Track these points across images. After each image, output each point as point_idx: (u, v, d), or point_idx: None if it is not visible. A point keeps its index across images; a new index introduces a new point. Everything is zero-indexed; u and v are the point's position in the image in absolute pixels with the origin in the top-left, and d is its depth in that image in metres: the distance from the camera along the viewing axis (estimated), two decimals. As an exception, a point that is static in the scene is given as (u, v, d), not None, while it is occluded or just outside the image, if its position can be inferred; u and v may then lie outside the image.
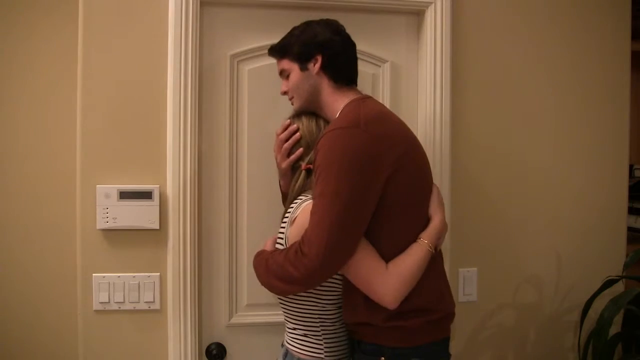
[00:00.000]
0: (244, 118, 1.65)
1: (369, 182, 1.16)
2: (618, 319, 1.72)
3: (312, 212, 1.17)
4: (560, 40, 1.81)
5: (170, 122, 1.55)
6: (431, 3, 1.67)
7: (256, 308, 1.66)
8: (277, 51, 1.39)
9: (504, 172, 1.78)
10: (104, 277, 1.55)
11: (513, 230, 1.80)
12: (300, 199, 1.30)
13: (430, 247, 1.22)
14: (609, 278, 1.71)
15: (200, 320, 1.62)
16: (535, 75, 1.79)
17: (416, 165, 1.26)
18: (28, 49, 2.01)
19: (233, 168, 1.64)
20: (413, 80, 1.74)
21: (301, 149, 1.35)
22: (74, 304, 1.57)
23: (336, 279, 1.27)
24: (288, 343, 1.33)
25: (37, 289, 2.02)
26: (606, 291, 1.70)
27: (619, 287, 1.76)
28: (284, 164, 1.38)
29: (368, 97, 1.33)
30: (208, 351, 1.64)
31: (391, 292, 1.17)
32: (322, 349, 1.28)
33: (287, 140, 1.37)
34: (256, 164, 1.65)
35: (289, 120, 1.39)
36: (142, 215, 1.54)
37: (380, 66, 1.72)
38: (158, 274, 1.57)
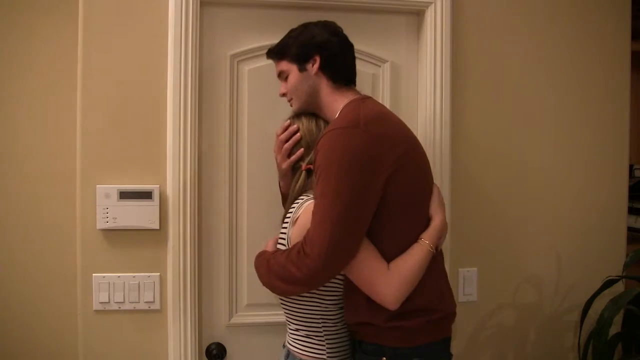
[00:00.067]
0: (244, 118, 1.65)
1: (369, 181, 1.16)
2: (618, 319, 1.72)
3: (314, 213, 1.17)
4: (560, 40, 1.81)
5: (170, 122, 1.55)
6: (431, 3, 1.67)
7: (256, 308, 1.66)
8: (275, 53, 1.40)
9: (504, 172, 1.78)
10: (104, 277, 1.55)
11: (513, 230, 1.80)
12: (302, 199, 1.30)
13: (432, 247, 1.22)
14: (609, 278, 1.71)
15: (200, 320, 1.62)
16: (535, 75, 1.80)
17: (416, 165, 1.26)
18: (28, 49, 2.01)
19: (233, 168, 1.64)
20: (413, 80, 1.74)
21: (302, 150, 1.35)
22: (74, 304, 1.57)
23: (338, 279, 1.27)
24: (290, 344, 1.33)
25: (37, 289, 2.01)
26: (606, 291, 1.70)
27: (619, 287, 1.76)
28: (285, 165, 1.38)
29: (368, 97, 1.33)
30: (208, 351, 1.64)
31: (393, 292, 1.17)
32: (324, 350, 1.28)
33: (287, 140, 1.37)
34: (256, 164, 1.65)
35: (288, 121, 1.39)
36: (142, 215, 1.53)
37: (380, 66, 1.72)
38: (158, 274, 1.57)
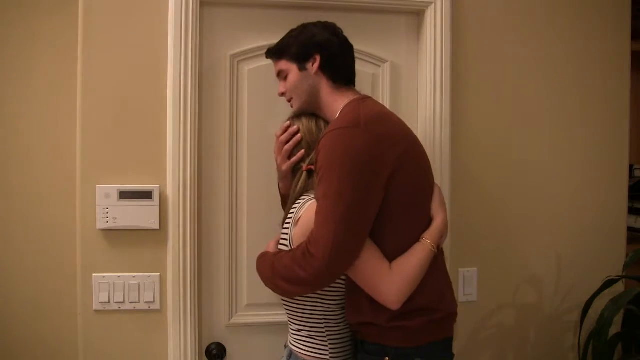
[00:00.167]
0: (244, 118, 1.65)
1: (371, 181, 1.16)
2: (618, 319, 1.72)
3: (317, 213, 1.16)
4: (560, 40, 1.81)
5: (170, 122, 1.55)
6: (431, 3, 1.67)
7: (256, 308, 1.66)
8: (275, 52, 1.40)
9: (504, 172, 1.78)
10: (104, 277, 1.55)
11: (513, 230, 1.80)
12: (303, 199, 1.30)
13: (433, 247, 1.22)
14: (609, 278, 1.71)
15: (200, 320, 1.62)
16: (536, 75, 1.80)
17: (417, 165, 1.26)
18: (28, 50, 2.01)
19: (233, 168, 1.64)
20: (413, 80, 1.74)
21: (302, 151, 1.35)
22: (74, 303, 1.57)
23: (340, 279, 1.27)
24: (292, 344, 1.33)
25: (38, 288, 2.01)
26: (606, 291, 1.70)
27: (619, 287, 1.76)
28: (285, 167, 1.38)
29: (368, 97, 1.33)
30: (208, 351, 1.64)
31: (395, 292, 1.17)
32: (326, 350, 1.28)
33: (287, 142, 1.37)
34: (256, 164, 1.65)
35: (288, 122, 1.39)
36: (142, 215, 1.54)
37: (380, 66, 1.72)
38: (158, 274, 1.57)
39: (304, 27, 1.37)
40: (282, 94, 1.41)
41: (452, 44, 1.70)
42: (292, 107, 1.40)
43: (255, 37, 1.63)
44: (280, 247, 1.30)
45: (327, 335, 1.29)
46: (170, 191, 1.55)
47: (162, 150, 1.56)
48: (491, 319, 1.80)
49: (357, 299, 1.23)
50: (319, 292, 1.26)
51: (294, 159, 1.36)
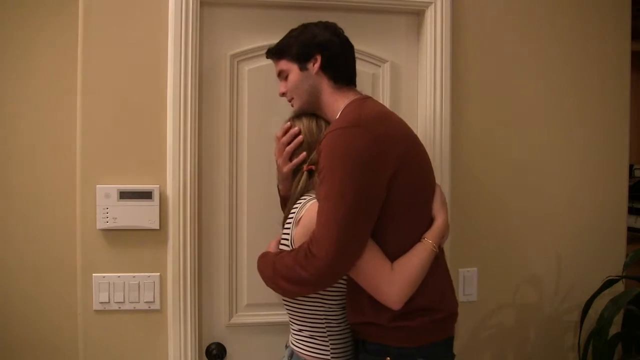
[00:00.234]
0: (244, 118, 1.65)
1: (372, 181, 1.16)
2: (618, 319, 1.72)
3: (319, 213, 1.16)
4: (560, 40, 1.81)
5: (170, 122, 1.55)
6: (431, 3, 1.67)
7: (256, 308, 1.66)
8: (275, 52, 1.39)
9: (504, 172, 1.78)
10: (104, 277, 1.55)
11: (513, 230, 1.80)
12: (304, 199, 1.30)
13: (435, 247, 1.22)
14: (609, 278, 1.71)
15: (200, 320, 1.62)
16: (535, 75, 1.79)
17: (418, 165, 1.26)
18: (29, 50, 2.01)
19: (233, 168, 1.64)
20: (413, 80, 1.74)
21: (304, 153, 1.34)
22: (74, 303, 1.57)
23: (342, 279, 1.27)
24: (293, 344, 1.33)
25: (37, 289, 2.02)
26: (606, 291, 1.70)
27: (619, 287, 1.76)
28: (286, 169, 1.37)
29: (368, 97, 1.33)
30: (208, 351, 1.64)
31: (397, 292, 1.17)
32: (328, 350, 1.28)
33: (288, 143, 1.36)
34: (256, 163, 1.65)
35: (289, 123, 1.38)
36: (142, 215, 1.54)
37: (380, 66, 1.72)
38: (158, 274, 1.57)
39: (304, 27, 1.37)
40: (283, 94, 1.40)
41: (452, 44, 1.70)
42: (292, 107, 1.40)
43: (255, 37, 1.63)
44: (281, 247, 1.30)
45: (329, 335, 1.29)
46: (170, 191, 1.55)
47: (162, 150, 1.56)
48: (491, 319, 1.80)
49: (358, 299, 1.23)
50: (320, 292, 1.26)
51: (296, 161, 1.35)
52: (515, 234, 1.80)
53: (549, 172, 1.82)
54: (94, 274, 1.54)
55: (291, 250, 1.23)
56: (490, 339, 1.80)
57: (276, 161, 1.41)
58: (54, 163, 2.02)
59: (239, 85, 1.65)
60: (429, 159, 1.32)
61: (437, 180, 1.47)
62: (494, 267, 1.78)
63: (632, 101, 1.89)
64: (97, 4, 1.52)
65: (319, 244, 1.13)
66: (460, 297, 1.74)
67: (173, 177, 1.55)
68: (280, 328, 1.57)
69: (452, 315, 1.28)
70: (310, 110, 1.38)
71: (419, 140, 1.31)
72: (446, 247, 1.61)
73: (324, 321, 1.29)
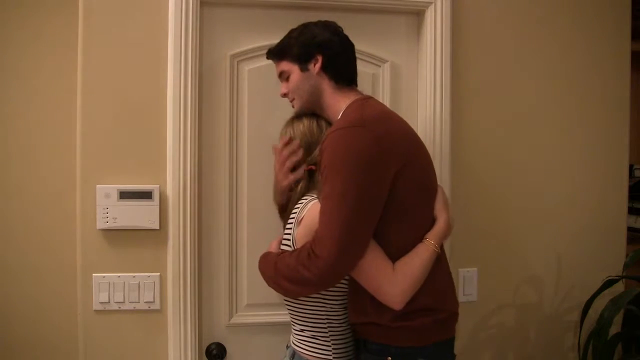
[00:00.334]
0: (244, 118, 1.65)
1: (374, 181, 1.16)
2: (618, 319, 1.72)
3: (321, 213, 1.17)
4: (560, 40, 1.81)
5: (170, 122, 1.55)
6: (431, 3, 1.67)
7: (256, 308, 1.66)
8: (276, 53, 1.39)
9: (504, 172, 1.78)
10: (104, 277, 1.55)
11: (513, 230, 1.80)
12: (306, 199, 1.30)
13: (436, 248, 1.22)
14: (609, 278, 1.71)
15: (200, 320, 1.62)
16: (535, 75, 1.79)
17: (420, 165, 1.26)
18: (29, 50, 2.01)
19: (233, 168, 1.64)
20: (413, 80, 1.74)
21: (303, 167, 1.33)
22: (74, 303, 1.57)
23: (343, 279, 1.27)
24: (295, 345, 1.33)
25: (38, 289, 2.02)
26: (606, 291, 1.70)
27: (619, 287, 1.76)
28: (286, 182, 1.36)
29: (370, 98, 1.33)
30: (208, 351, 1.64)
31: (398, 292, 1.17)
32: (330, 350, 1.29)
33: (288, 157, 1.35)
34: (256, 164, 1.65)
35: (289, 136, 1.37)
36: (142, 215, 1.53)
37: (380, 66, 1.72)
38: (158, 274, 1.57)
39: (304, 27, 1.37)
40: (285, 95, 1.40)
41: (452, 44, 1.70)
42: (293, 107, 1.40)
43: (255, 37, 1.63)
44: (283, 247, 1.30)
45: (330, 335, 1.29)
46: (170, 191, 1.55)
47: (162, 151, 1.56)
48: (491, 319, 1.80)
49: (360, 299, 1.23)
50: (321, 292, 1.26)
51: (296, 175, 1.34)
52: (515, 234, 1.80)
53: (549, 172, 1.82)
54: (94, 274, 1.54)
55: (293, 251, 1.23)
56: (490, 339, 1.80)
57: (275, 175, 1.40)
58: (53, 163, 2.02)
59: (239, 85, 1.65)
60: (430, 159, 1.32)
61: (438, 180, 1.47)
62: (494, 267, 1.78)
63: (632, 101, 1.89)
64: (97, 4, 1.52)
65: (322, 244, 1.13)
66: (460, 297, 1.73)
67: (173, 177, 1.55)
68: (280, 328, 1.58)
69: (454, 315, 1.29)
70: (312, 111, 1.38)
71: (421, 140, 1.31)
72: (446, 247, 1.61)
73: (325, 321, 1.29)
